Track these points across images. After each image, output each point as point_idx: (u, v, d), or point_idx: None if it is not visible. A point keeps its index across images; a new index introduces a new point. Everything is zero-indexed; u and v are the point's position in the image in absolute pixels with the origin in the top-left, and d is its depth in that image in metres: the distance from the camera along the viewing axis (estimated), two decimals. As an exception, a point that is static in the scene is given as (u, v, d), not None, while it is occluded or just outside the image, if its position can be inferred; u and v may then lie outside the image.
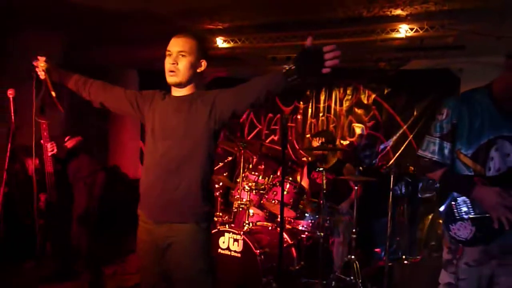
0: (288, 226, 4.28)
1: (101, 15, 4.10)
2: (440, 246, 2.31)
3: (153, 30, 4.39)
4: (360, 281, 3.94)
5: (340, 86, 6.07)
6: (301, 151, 6.23)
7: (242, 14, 4.11)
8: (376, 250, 5.01)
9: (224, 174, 5.05)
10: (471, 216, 2.03)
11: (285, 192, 3.97)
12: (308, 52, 1.87)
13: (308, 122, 6.26)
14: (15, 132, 2.79)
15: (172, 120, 2.15)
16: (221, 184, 4.82)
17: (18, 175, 3.87)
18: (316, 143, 4.62)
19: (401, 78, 5.74)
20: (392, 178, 4.01)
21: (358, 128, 5.92)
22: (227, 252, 3.80)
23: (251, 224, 4.09)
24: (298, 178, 5.31)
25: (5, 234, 3.34)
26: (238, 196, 4.20)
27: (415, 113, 5.64)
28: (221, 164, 5.37)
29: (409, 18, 4.01)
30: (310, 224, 4.19)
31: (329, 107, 6.14)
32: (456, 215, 2.07)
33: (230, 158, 5.49)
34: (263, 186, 4.29)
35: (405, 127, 5.69)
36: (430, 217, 5.34)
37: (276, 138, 6.43)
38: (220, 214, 4.58)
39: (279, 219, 4.05)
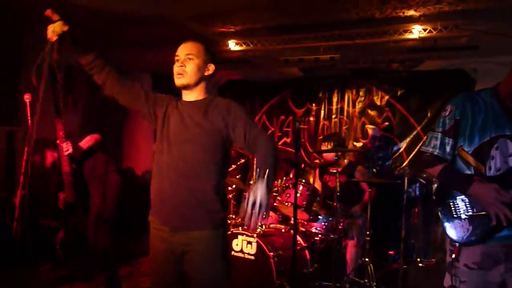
0: (301, 229, 4.26)
1: (116, 19, 4.15)
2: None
3: (166, 34, 4.42)
4: (374, 283, 3.92)
5: (353, 87, 6.05)
6: (314, 153, 6.21)
7: (254, 16, 4.11)
8: (390, 252, 4.97)
9: (237, 177, 5.07)
10: (468, 214, 1.99)
11: (298, 194, 3.97)
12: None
13: (321, 124, 6.23)
14: (31, 136, 2.84)
15: (187, 125, 2.15)
16: (234, 186, 4.83)
17: (38, 167, 3.86)
18: (325, 147, 4.60)
19: (415, 79, 5.71)
20: (406, 180, 3.98)
21: (371, 130, 5.88)
22: (240, 254, 3.81)
23: (264, 227, 4.09)
24: (311, 180, 5.30)
25: (22, 235, 3.38)
26: (251, 198, 4.19)
27: (428, 114, 5.60)
28: (234, 166, 5.38)
29: (422, 19, 3.98)
30: (324, 227, 4.17)
31: (342, 108, 6.11)
32: (454, 213, 2.04)
33: (243, 161, 5.50)
34: (276, 188, 4.28)
35: (418, 128, 5.65)
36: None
37: (288, 140, 6.42)
38: (233, 216, 4.59)
39: (292, 221, 4.05)
